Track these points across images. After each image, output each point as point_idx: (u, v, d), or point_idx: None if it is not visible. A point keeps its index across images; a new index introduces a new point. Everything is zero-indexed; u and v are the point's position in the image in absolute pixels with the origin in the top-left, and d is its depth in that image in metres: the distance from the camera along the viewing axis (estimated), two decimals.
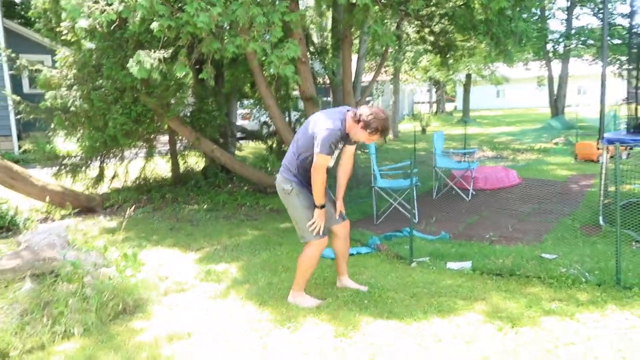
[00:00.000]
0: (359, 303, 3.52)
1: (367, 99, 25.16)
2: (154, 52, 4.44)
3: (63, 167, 8.30)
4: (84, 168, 8.43)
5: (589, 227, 5.39)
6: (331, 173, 3.66)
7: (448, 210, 6.66)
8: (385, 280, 3.99)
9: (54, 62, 8.01)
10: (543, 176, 8.90)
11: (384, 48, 7.94)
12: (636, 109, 5.85)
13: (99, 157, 8.57)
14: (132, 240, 5.74)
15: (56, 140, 9.69)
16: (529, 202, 6.90)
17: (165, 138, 9.30)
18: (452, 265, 4.25)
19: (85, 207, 7.55)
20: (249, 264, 4.63)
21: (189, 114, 8.14)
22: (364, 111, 3.23)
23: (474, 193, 7.46)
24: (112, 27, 4.92)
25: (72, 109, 7.28)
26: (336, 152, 3.40)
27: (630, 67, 5.96)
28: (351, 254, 4.73)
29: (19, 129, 14.32)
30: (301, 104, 9.26)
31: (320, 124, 3.30)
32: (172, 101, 7.36)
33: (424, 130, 19.34)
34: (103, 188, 8.63)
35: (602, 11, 17.39)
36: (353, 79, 9.97)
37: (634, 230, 4.83)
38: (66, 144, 9.45)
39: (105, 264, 4.17)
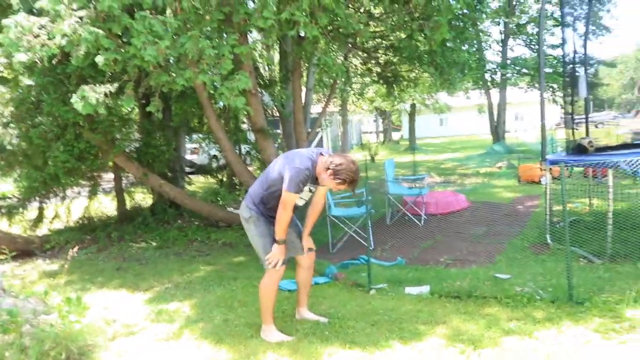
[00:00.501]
0: (320, 335, 3.43)
1: (317, 130, 25.46)
2: (99, 86, 4.28)
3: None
4: (21, 209, 7.95)
5: (538, 246, 5.58)
6: (301, 210, 3.63)
7: (402, 236, 6.72)
8: (345, 309, 3.92)
9: None
10: (490, 199, 9.20)
11: (332, 80, 8.06)
12: (573, 132, 6.20)
13: (37, 197, 8.12)
14: (75, 283, 5.40)
15: None
16: (479, 224, 7.08)
17: (110, 175, 8.97)
18: (411, 290, 4.24)
19: (23, 250, 7.10)
20: (203, 301, 4.44)
21: (135, 149, 7.89)
22: (335, 160, 3.22)
23: (426, 218, 7.58)
24: (53, 62, 4.73)
25: (9, 147, 6.90)
26: (305, 191, 3.38)
27: (565, 94, 6.33)
28: None
29: None
30: (251, 136, 9.21)
31: (291, 161, 3.29)
32: (118, 137, 7.13)
33: (372, 159, 19.68)
34: (43, 229, 8.15)
35: (533, 42, 18.59)
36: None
37: (579, 247, 5.02)
38: (1, 185, 8.94)
39: (46, 311, 3.87)
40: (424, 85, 10.98)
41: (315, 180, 3.34)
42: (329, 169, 3.21)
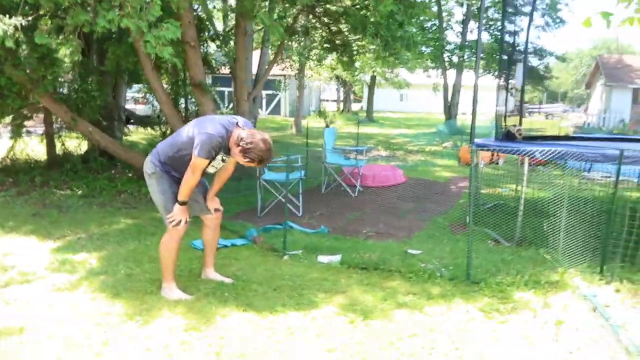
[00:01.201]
0: (220, 296, 3.41)
1: (272, 91, 24.99)
2: (9, 18, 3.96)
3: None
4: None
5: (457, 226, 5.74)
6: (212, 177, 3.54)
7: (333, 205, 6.76)
8: (253, 272, 3.92)
9: None
10: (427, 177, 9.38)
11: (279, 40, 7.85)
12: (505, 118, 6.34)
13: None
14: None
15: None
16: (409, 200, 7.21)
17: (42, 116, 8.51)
18: (322, 258, 4.28)
19: None
20: (112, 254, 4.33)
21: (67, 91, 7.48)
22: (246, 137, 3.10)
23: (361, 190, 7.66)
24: None
25: None
26: (218, 160, 3.29)
27: (500, 82, 6.45)
28: (225, 246, 4.62)
29: None
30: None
31: (203, 126, 3.18)
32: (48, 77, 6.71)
33: (327, 127, 19.62)
34: None
35: (492, 26, 18.78)
36: (256, 69, 9.80)
37: (494, 230, 5.21)
38: None
39: None
40: (378, 57, 10.90)
41: (228, 151, 3.26)
42: (239, 145, 3.13)
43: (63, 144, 8.57)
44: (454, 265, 4.07)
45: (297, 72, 17.46)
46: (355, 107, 38.90)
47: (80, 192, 6.98)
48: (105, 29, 4.21)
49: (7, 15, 4.30)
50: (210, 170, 3.39)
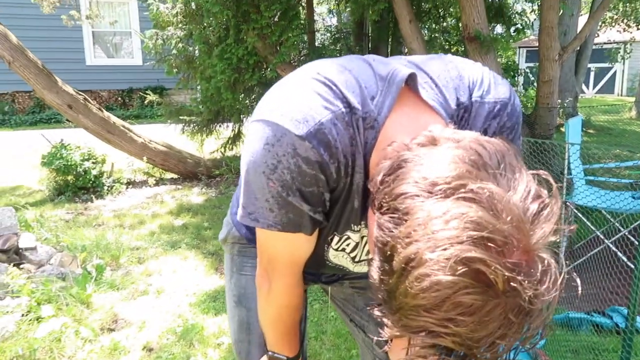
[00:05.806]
0: None
1: (603, 65, 19.41)
2: None
3: (189, 123, 7.12)
4: (209, 126, 7.15)
5: None
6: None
7: None
8: None
9: None
10: None
11: None
12: None
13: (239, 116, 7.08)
14: (183, 232, 4.09)
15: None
16: None
17: None
18: None
19: (191, 172, 6.39)
20: None
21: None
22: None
23: None
24: None
25: (174, 52, 5.93)
26: (353, 235, 0.86)
27: None
28: None
29: None
30: None
31: (265, 104, 0.73)
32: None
33: None
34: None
35: None
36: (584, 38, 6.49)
37: None
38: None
39: (17, 292, 2.49)
40: None
41: (364, 194, 0.74)
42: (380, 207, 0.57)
43: None
44: None
45: None
46: None
47: None
48: None
49: None
50: (345, 263, 0.99)
